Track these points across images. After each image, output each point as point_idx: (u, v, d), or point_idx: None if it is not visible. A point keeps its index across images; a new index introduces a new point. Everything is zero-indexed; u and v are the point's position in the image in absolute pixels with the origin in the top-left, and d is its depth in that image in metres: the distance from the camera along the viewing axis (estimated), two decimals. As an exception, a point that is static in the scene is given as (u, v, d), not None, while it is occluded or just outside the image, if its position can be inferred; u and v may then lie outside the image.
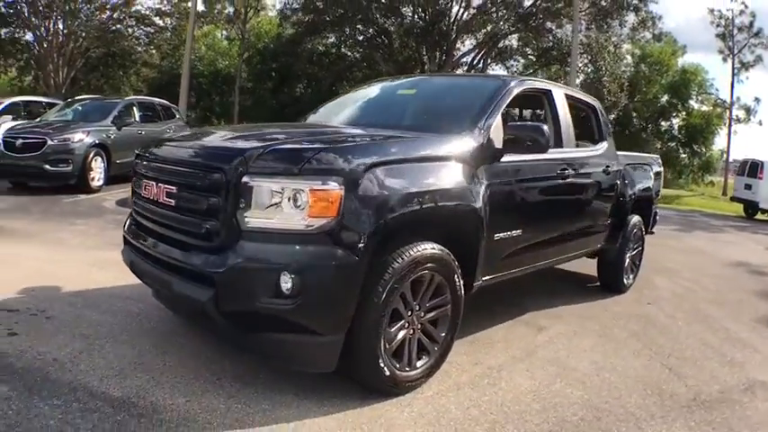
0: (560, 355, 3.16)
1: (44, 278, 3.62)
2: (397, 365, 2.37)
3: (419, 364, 2.49)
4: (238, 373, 2.52)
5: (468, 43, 23.48)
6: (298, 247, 2.06)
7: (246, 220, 2.09)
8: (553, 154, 3.49)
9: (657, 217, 5.59)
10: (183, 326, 3.03)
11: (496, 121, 2.90)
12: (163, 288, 2.41)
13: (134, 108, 8.99)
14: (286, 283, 2.04)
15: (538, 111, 4.67)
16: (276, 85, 28.14)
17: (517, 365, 2.95)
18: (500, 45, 23.13)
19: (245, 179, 2.09)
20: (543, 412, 2.43)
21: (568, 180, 3.57)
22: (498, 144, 2.86)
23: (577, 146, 3.96)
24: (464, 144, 2.71)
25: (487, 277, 2.97)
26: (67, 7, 20.38)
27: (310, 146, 2.27)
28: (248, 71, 29.11)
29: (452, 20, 21.69)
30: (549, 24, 21.35)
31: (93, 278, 3.76)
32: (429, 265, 2.40)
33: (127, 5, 22.52)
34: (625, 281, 4.72)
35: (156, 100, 10.26)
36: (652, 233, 5.59)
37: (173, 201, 2.34)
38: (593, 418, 2.42)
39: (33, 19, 21.04)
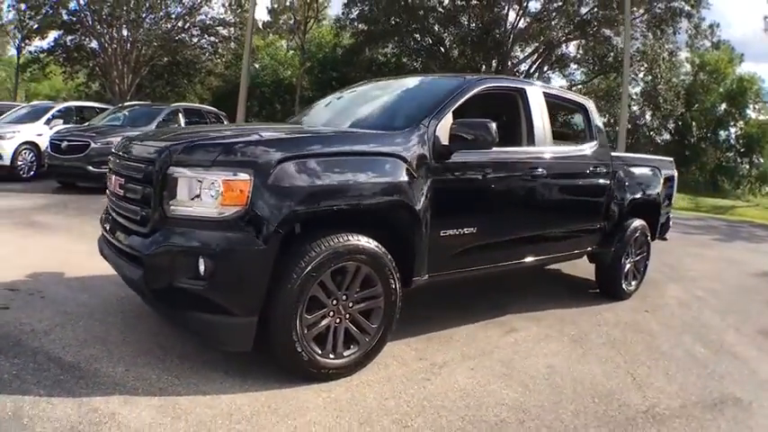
0: (516, 357, 3.06)
1: (54, 265, 3.98)
2: (319, 351, 2.43)
3: (346, 353, 2.53)
4: (185, 352, 2.68)
5: (525, 51, 23.27)
6: (212, 233, 2.20)
7: (171, 208, 2.26)
8: (518, 153, 3.43)
9: (671, 223, 5.23)
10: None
11: (445, 119, 2.89)
12: (117, 270, 2.67)
13: (179, 114, 9.68)
14: (201, 265, 2.21)
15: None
16: (336, 93, 28.89)
17: (464, 363, 2.89)
18: (557, 53, 22.69)
19: (169, 171, 2.27)
20: (464, 410, 2.38)
21: (540, 180, 3.46)
22: (445, 141, 2.88)
23: (558, 145, 3.85)
24: (403, 141, 2.72)
25: (437, 274, 2.98)
26: (131, 16, 21.17)
27: (225, 141, 2.40)
28: (309, 80, 30.17)
29: (508, 28, 21.56)
30: (606, 32, 20.70)
31: (98, 266, 4.09)
32: (354, 256, 2.45)
33: (191, 14, 23.50)
34: (625, 287, 4.46)
35: (205, 107, 11.00)
36: (664, 239, 5.25)
37: (122, 191, 2.58)
38: (516, 420, 2.34)
39: (98, 26, 21.88)
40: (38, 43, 24.68)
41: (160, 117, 9.12)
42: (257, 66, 31.76)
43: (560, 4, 20.54)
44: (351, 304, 2.54)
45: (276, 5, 34.05)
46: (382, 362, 2.80)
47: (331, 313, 2.48)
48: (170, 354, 2.65)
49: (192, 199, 2.24)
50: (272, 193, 2.22)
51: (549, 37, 21.28)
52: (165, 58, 24.41)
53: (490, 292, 4.51)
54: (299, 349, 2.36)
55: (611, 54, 20.70)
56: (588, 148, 4.02)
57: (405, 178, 2.65)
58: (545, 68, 23.05)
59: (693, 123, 26.59)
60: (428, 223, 2.77)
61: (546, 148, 3.55)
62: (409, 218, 2.68)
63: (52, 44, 22.78)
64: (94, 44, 22.42)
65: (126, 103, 10.83)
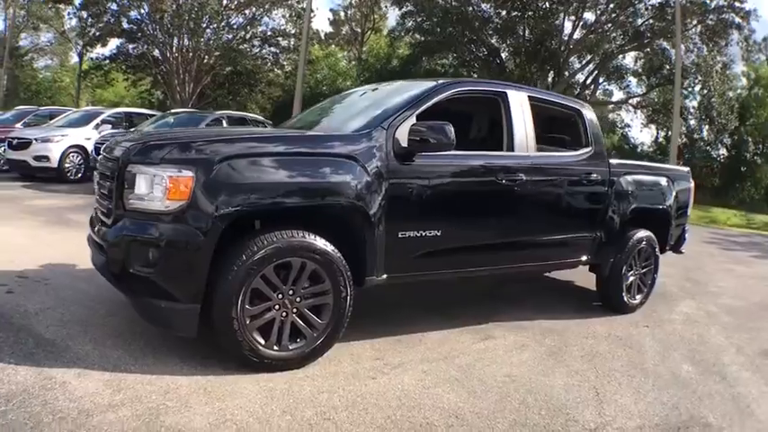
0: (478, 364, 2.99)
1: (69, 257, 4.28)
2: (262, 342, 2.53)
3: (292, 346, 2.61)
4: (153, 338, 2.83)
5: (581, 62, 22.71)
6: (159, 225, 2.37)
7: (129, 201, 2.46)
8: (492, 158, 3.38)
9: (686, 235, 4.88)
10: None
11: (407, 122, 2.90)
12: (92, 259, 2.93)
13: (223, 122, 10.27)
14: (150, 253, 2.40)
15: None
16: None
17: (419, 366, 2.88)
18: (613, 64, 22.06)
19: (128, 168, 2.46)
20: (395, 409, 2.38)
21: (520, 186, 3.38)
22: (405, 144, 2.88)
23: (547, 151, 3.74)
24: (358, 143, 2.77)
25: (397, 275, 2.99)
26: (191, 25, 21.56)
27: (175, 141, 2.56)
28: (367, 91, 30.64)
29: (563, 39, 21.15)
30: (662, 43, 19.93)
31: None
32: (298, 252, 2.53)
33: (251, 25, 24.22)
34: (627, 300, 4.21)
35: (250, 115, 11.58)
36: (679, 253, 4.91)
37: (98, 188, 2.86)
38: (444, 425, 2.30)
39: (159, 35, 22.22)
40: (100, 50, 25.20)
41: (203, 124, 9.70)
42: (318, 76, 32.71)
43: (614, 15, 19.91)
44: (298, 299, 2.63)
45: (335, 17, 35.30)
46: (336, 358, 2.86)
47: (276, 306, 2.58)
48: (138, 339, 2.84)
49: (145, 193, 2.43)
50: (213, 189, 2.36)
51: (604, 48, 20.72)
52: (228, 68, 24.92)
53: (483, 299, 4.44)
54: (240, 338, 2.47)
55: (667, 66, 19.88)
56: (581, 155, 3.85)
57: (356, 179, 2.70)
58: (600, 80, 22.33)
59: (749, 138, 24.86)
60: (383, 224, 2.81)
61: (527, 154, 3.46)
62: (360, 218, 2.72)
63: (115, 52, 23.60)
64: (157, 52, 22.93)
65: (172, 110, 11.61)
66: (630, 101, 24.25)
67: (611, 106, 26.56)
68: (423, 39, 23.24)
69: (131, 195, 2.47)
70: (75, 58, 33.63)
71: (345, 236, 2.75)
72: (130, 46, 23.17)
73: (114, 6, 21.51)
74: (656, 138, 27.34)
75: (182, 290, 2.41)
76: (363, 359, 2.92)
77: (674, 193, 4.48)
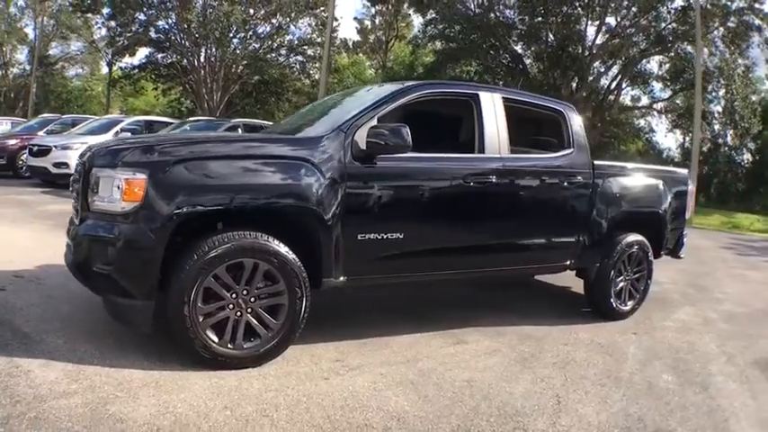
0: (440, 369, 2.95)
1: None
2: (216, 340, 2.58)
3: (246, 345, 2.66)
4: (124, 336, 2.90)
5: (604, 67, 22.36)
6: (116, 225, 2.48)
7: (93, 202, 2.59)
8: (458, 160, 3.37)
9: (685, 239, 4.69)
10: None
11: (367, 125, 2.93)
12: (65, 259, 3.09)
13: (239, 129, 10.59)
14: (108, 252, 2.51)
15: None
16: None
17: (377, 369, 2.87)
18: (637, 69, 21.67)
19: (92, 171, 2.60)
20: (338, 410, 2.38)
21: (490, 188, 3.34)
22: (364, 147, 2.90)
23: (522, 152, 3.70)
24: (315, 146, 2.81)
25: (357, 277, 3.01)
26: (216, 35, 21.96)
27: (132, 145, 2.68)
28: (392, 99, 30.86)
29: (587, 44, 20.90)
30: (686, 47, 19.48)
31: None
32: (250, 253, 2.59)
33: (278, 34, 24.61)
34: (616, 306, 4.08)
35: (266, 123, 11.87)
36: (678, 258, 4.73)
37: (71, 191, 3.04)
38: (382, 428, 2.29)
39: (187, 44, 22.70)
40: (129, 60, 25.94)
41: (219, 131, 10.04)
42: (344, 85, 33.16)
43: (636, 19, 19.62)
44: (252, 299, 2.69)
45: (362, 26, 35.75)
46: (296, 358, 2.90)
47: (230, 306, 2.65)
48: (110, 335, 2.93)
49: (106, 195, 2.55)
50: (164, 191, 2.46)
51: (626, 53, 20.39)
52: (255, 77, 25.38)
53: (467, 304, 4.40)
54: (192, 335, 2.54)
55: (690, 70, 19.32)
56: (560, 157, 3.77)
57: (309, 181, 2.74)
58: (623, 85, 22.02)
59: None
60: (340, 226, 2.85)
61: (498, 155, 3.43)
62: (313, 220, 2.76)
63: (144, 61, 24.37)
64: (185, 62, 23.40)
65: (190, 119, 12.04)
66: (655, 105, 23.71)
67: (635, 111, 25.97)
68: (447, 46, 23.30)
69: (95, 197, 2.60)
70: (105, 67, 34.60)
71: (301, 238, 2.81)
72: (159, 55, 23.88)
73: (142, 16, 22.22)
74: (683, 143, 26.49)
75: (137, 287, 2.51)
76: (323, 360, 2.94)
77: (669, 197, 4.33)
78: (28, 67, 32.53)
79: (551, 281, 5.09)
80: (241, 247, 2.60)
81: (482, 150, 3.41)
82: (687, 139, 25.13)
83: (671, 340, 3.83)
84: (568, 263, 3.90)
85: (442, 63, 23.62)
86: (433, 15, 22.70)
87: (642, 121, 26.81)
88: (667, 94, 22.87)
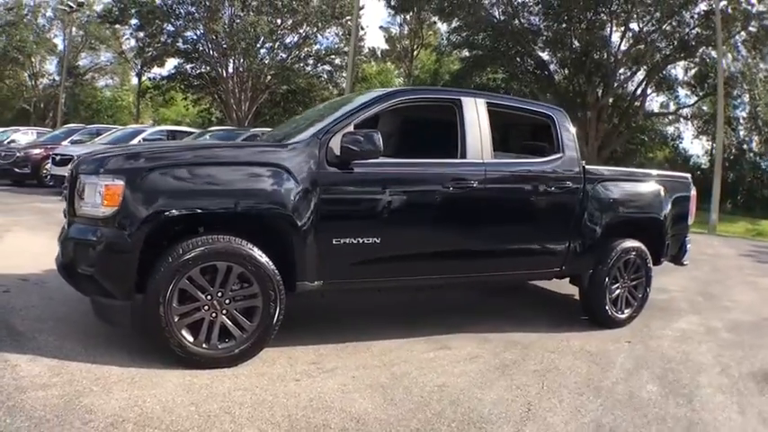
0: (415, 373, 2.96)
1: None
2: (191, 340, 2.69)
3: (221, 345, 2.75)
4: (113, 333, 3.02)
5: (629, 73, 22.03)
6: (98, 229, 2.63)
7: (79, 207, 2.76)
8: (436, 165, 3.39)
9: (688, 246, 4.53)
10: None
11: (342, 132, 3.00)
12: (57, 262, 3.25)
13: (258, 138, 10.88)
14: (90, 255, 2.67)
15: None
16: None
17: (351, 372, 2.91)
18: (661, 74, 21.34)
19: (79, 178, 2.79)
20: (300, 410, 2.43)
21: (470, 193, 3.34)
22: (338, 153, 2.96)
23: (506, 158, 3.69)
24: (290, 153, 2.91)
25: (334, 281, 3.08)
26: (242, 45, 22.44)
27: (114, 154, 2.85)
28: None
29: (612, 50, 20.62)
30: (710, 52, 19.02)
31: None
32: (223, 256, 2.69)
33: (305, 43, 25.01)
34: (612, 314, 3.98)
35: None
36: (681, 265, 4.58)
37: (62, 197, 3.24)
38: (339, 428, 2.32)
39: (214, 54, 23.17)
40: (157, 70, 26.65)
41: (239, 140, 10.34)
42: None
43: (659, 25, 19.30)
44: (227, 301, 2.79)
45: (388, 35, 36.11)
46: (273, 359, 2.97)
47: (205, 307, 2.76)
48: (99, 334, 3.05)
49: (90, 201, 2.71)
50: (139, 196, 2.59)
51: (650, 59, 20.08)
52: (283, 87, 25.81)
53: (461, 310, 4.40)
54: (168, 335, 2.65)
55: (714, 75, 18.72)
56: (548, 161, 3.73)
57: (282, 187, 2.83)
58: (648, 91, 21.71)
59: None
60: (315, 231, 2.92)
61: (481, 160, 3.43)
62: (286, 224, 2.84)
63: (173, 72, 25.03)
64: (214, 72, 23.92)
65: (211, 128, 12.44)
66: (680, 112, 23.14)
67: (662, 118, 25.38)
68: (473, 53, 23.33)
69: (81, 202, 2.77)
70: (135, 78, 35.25)
71: (276, 242, 2.89)
72: (188, 66, 24.44)
73: (170, 27, 22.85)
74: (710, 149, 25.61)
75: (116, 288, 2.64)
76: (299, 362, 3.00)
77: (669, 202, 4.22)
78: (57, 78, 32.98)
79: (555, 288, 5.01)
80: (214, 250, 2.70)
81: (464, 155, 3.43)
82: (713, 145, 24.41)
83: (665, 349, 3.72)
84: (559, 269, 3.85)
85: (468, 71, 23.64)
86: (458, 24, 22.76)
87: (670, 128, 26.24)
88: (693, 99, 22.35)
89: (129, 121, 31.72)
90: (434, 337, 3.63)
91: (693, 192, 4.48)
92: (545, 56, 22.47)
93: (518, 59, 22.82)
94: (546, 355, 3.47)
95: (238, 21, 22.70)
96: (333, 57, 27.06)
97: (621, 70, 21.26)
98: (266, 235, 2.88)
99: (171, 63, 25.97)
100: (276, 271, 2.84)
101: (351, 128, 3.07)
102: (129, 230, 2.59)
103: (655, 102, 24.64)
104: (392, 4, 24.34)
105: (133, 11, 22.26)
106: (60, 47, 33.36)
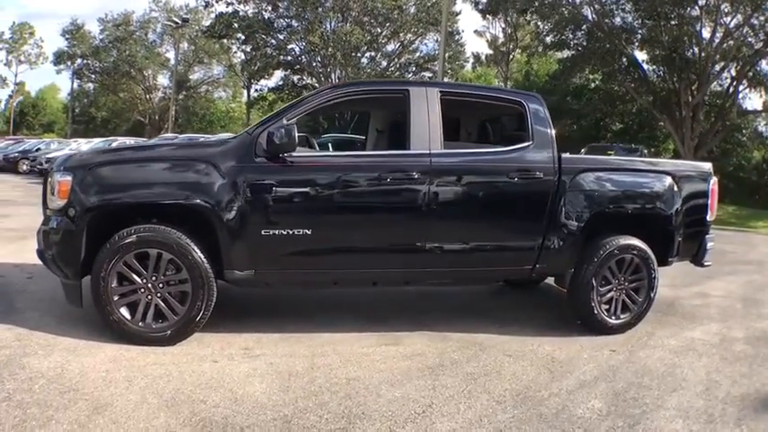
0: (335, 365, 2.95)
1: None
2: (129, 318, 3.01)
3: (155, 325, 3.02)
4: (88, 312, 3.34)
5: (719, 69, 19.61)
6: (55, 218, 3.07)
7: (50, 201, 3.31)
8: (372, 157, 3.34)
9: (710, 245, 3.75)
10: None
11: (273, 126, 3.11)
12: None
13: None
14: (50, 241, 3.15)
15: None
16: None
17: (272, 359, 2.99)
18: (756, 69, 18.93)
19: (49, 175, 3.33)
20: (190, 386, 2.59)
21: (412, 184, 3.24)
22: (266, 147, 3.10)
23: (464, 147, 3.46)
24: (220, 148, 3.13)
25: (266, 270, 3.21)
26: (338, 56, 23.35)
27: (75, 154, 3.31)
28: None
29: (703, 46, 18.45)
30: None
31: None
32: (153, 244, 2.98)
33: (405, 51, 25.58)
34: (603, 318, 3.53)
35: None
36: (703, 266, 3.83)
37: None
38: (212, 405, 2.44)
39: (316, 65, 24.58)
40: (264, 82, 28.19)
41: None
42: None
43: (748, 19, 17.01)
44: (160, 285, 3.07)
45: (490, 39, 35.20)
46: (209, 342, 3.16)
47: (141, 290, 3.07)
48: (77, 313, 3.37)
49: (53, 195, 3.19)
50: (82, 190, 2.97)
51: (740, 54, 17.97)
52: None
53: (452, 307, 4.25)
54: (108, 312, 2.99)
55: None
56: (513, 150, 3.43)
57: (208, 181, 3.03)
58: (740, 87, 19.32)
59: None
60: (241, 222, 3.09)
61: (426, 151, 3.27)
62: (211, 215, 3.03)
63: (280, 83, 26.57)
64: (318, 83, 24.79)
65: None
66: None
67: (759, 116, 21.80)
68: (569, 54, 22.28)
69: (51, 197, 3.30)
70: (244, 90, 36.76)
71: (206, 232, 3.14)
72: (294, 77, 25.97)
73: (273, 41, 24.44)
74: None
75: (67, 269, 3.08)
76: (232, 347, 3.16)
77: (680, 196, 3.61)
78: (170, 91, 35.09)
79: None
80: (144, 238, 3.01)
81: (408, 146, 3.35)
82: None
83: (651, 362, 3.19)
84: (531, 267, 3.53)
85: (564, 71, 22.64)
86: (548, 24, 21.82)
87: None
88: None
89: (239, 130, 34.93)
90: (392, 333, 3.57)
91: (714, 184, 3.76)
92: (641, 55, 20.90)
93: (608, 58, 21.13)
94: (499, 358, 3.22)
95: (334, 32, 23.92)
96: (434, 63, 27.31)
97: (715, 67, 19.04)
98: (199, 226, 3.13)
99: (278, 75, 27.68)
100: (203, 259, 3.06)
101: (281, 123, 3.20)
102: (74, 219, 3.01)
103: (755, 100, 21.40)
104: (480, 7, 24.03)
105: (236, 25, 24.05)
106: (172, 61, 35.50)
